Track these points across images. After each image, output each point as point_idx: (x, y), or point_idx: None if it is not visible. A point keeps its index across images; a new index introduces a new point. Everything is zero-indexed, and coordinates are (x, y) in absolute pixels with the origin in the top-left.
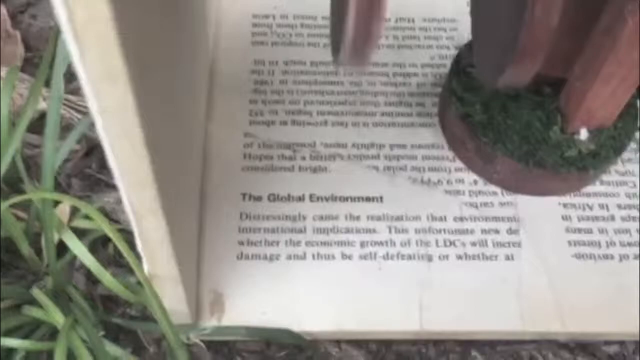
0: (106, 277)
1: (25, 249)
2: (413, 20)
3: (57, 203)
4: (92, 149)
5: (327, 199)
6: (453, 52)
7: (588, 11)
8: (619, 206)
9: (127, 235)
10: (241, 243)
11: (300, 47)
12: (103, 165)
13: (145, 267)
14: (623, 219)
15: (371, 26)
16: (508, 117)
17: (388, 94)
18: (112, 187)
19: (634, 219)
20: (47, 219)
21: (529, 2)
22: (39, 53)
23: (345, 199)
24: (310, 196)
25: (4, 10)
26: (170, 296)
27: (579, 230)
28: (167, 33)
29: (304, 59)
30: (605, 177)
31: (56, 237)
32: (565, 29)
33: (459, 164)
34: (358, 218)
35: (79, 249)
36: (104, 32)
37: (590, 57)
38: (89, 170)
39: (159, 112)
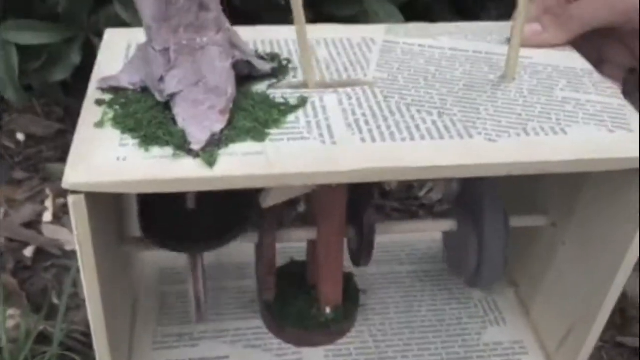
0: None
1: None
2: None
3: None
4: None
5: None
6: None
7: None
8: (356, 349)
9: None
10: None
11: None
12: None
13: None
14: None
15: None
16: (289, 307)
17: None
18: None
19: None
20: None
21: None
22: (37, 300)
23: None
24: None
25: (12, 280)
26: None
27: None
28: (114, 287)
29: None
30: (349, 334)
31: None
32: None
33: (271, 335)
34: None
35: None
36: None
37: (318, 269)
38: None
39: (109, 320)
